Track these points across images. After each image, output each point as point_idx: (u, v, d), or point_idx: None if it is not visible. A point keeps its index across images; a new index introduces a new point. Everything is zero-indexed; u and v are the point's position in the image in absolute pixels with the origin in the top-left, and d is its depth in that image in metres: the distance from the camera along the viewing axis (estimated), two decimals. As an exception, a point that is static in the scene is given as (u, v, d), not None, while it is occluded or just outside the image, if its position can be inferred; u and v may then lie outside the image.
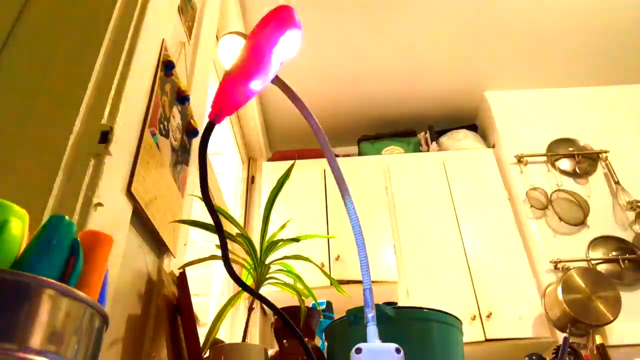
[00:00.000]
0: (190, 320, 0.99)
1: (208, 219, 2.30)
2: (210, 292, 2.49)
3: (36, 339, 0.39)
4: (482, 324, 2.45)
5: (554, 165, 3.01)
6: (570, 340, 2.28)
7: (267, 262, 1.11)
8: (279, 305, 1.15)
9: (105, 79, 0.90)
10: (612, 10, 2.80)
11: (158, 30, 1.14)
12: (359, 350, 0.60)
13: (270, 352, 1.11)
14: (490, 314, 2.48)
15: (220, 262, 2.55)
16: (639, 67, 3.20)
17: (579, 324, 2.30)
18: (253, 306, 1.13)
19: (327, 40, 2.87)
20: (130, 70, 0.94)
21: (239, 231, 1.11)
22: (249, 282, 1.15)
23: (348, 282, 2.46)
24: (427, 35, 2.89)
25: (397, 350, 0.60)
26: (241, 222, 2.98)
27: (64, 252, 0.48)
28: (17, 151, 0.81)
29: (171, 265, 1.17)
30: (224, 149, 2.96)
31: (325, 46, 2.90)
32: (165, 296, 1.04)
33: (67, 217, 0.50)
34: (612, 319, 2.30)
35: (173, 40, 1.33)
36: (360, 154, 3.34)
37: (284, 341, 1.07)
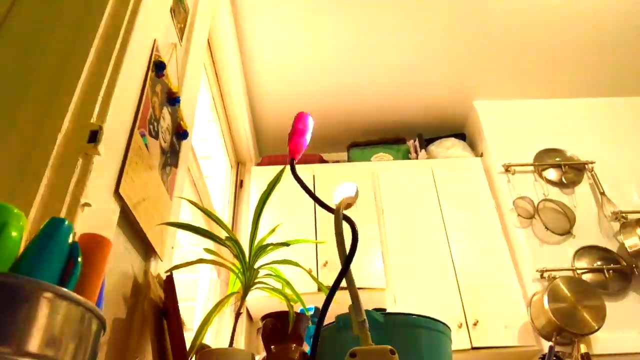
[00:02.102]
0: (177, 325, 0.97)
1: (196, 222, 2.26)
2: (196, 297, 2.47)
3: (34, 342, 0.38)
4: (469, 332, 2.46)
5: (540, 175, 3.04)
6: (556, 349, 2.29)
7: (255, 266, 1.10)
8: (267, 311, 1.14)
9: (95, 77, 0.88)
10: (599, 23, 2.84)
11: (150, 30, 1.13)
12: (353, 354, 0.60)
13: (258, 358, 1.10)
14: (477, 322, 2.48)
15: (207, 266, 2.53)
16: (626, 79, 3.26)
17: (564, 332, 2.32)
18: (240, 311, 1.11)
19: (320, 48, 2.87)
20: (121, 70, 0.93)
21: (227, 234, 1.10)
22: (237, 286, 1.13)
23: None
24: (416, 45, 2.91)
25: (392, 352, 0.59)
26: (229, 225, 2.96)
27: (63, 255, 0.48)
28: (4, 149, 0.79)
29: (158, 268, 1.16)
30: (213, 152, 2.94)
31: (318, 53, 2.91)
32: (152, 300, 1.02)
33: (67, 220, 0.49)
34: (596, 328, 2.32)
35: (165, 41, 1.32)
36: (349, 160, 3.35)
37: (272, 347, 1.06)
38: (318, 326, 0.79)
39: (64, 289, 0.42)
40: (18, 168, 0.76)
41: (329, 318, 1.02)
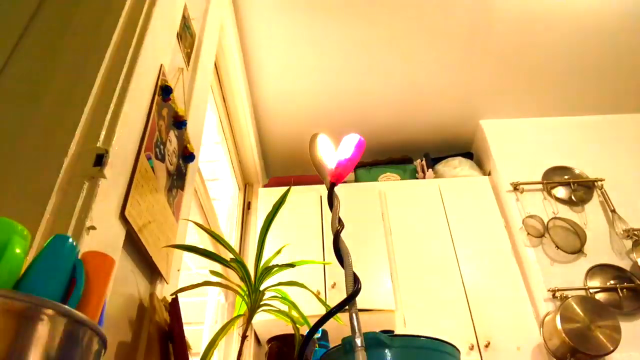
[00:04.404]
0: (182, 348, 0.97)
1: (203, 244, 2.26)
2: (203, 320, 2.45)
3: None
4: (480, 354, 2.41)
5: (549, 193, 3.01)
6: (570, 371, 2.24)
7: (261, 288, 1.09)
8: (273, 334, 1.13)
9: (102, 101, 0.90)
10: (606, 40, 2.85)
11: (156, 55, 1.15)
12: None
13: (264, 382, 1.08)
14: (489, 343, 2.44)
15: (215, 289, 2.51)
16: (633, 96, 3.25)
17: (578, 354, 2.26)
18: (247, 334, 1.10)
19: (326, 69, 2.90)
20: (128, 94, 0.94)
21: (233, 256, 1.10)
22: (243, 309, 1.13)
23: (345, 310, 2.41)
24: (423, 64, 2.93)
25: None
26: (237, 248, 2.95)
27: (66, 272, 0.48)
28: (11, 172, 0.80)
29: (164, 291, 1.15)
30: (221, 174, 2.96)
31: (324, 74, 2.94)
32: (157, 323, 1.02)
33: (70, 237, 0.49)
34: (612, 349, 2.26)
35: (172, 65, 1.34)
36: (356, 180, 3.34)
37: (278, 370, 1.05)
38: (305, 340, 0.77)
39: (66, 307, 0.42)
40: (24, 191, 0.76)
41: (337, 341, 1.01)
